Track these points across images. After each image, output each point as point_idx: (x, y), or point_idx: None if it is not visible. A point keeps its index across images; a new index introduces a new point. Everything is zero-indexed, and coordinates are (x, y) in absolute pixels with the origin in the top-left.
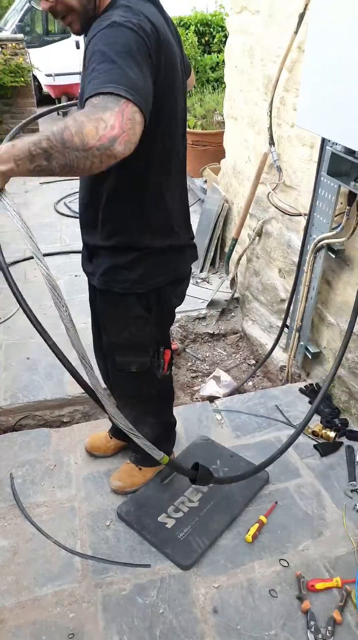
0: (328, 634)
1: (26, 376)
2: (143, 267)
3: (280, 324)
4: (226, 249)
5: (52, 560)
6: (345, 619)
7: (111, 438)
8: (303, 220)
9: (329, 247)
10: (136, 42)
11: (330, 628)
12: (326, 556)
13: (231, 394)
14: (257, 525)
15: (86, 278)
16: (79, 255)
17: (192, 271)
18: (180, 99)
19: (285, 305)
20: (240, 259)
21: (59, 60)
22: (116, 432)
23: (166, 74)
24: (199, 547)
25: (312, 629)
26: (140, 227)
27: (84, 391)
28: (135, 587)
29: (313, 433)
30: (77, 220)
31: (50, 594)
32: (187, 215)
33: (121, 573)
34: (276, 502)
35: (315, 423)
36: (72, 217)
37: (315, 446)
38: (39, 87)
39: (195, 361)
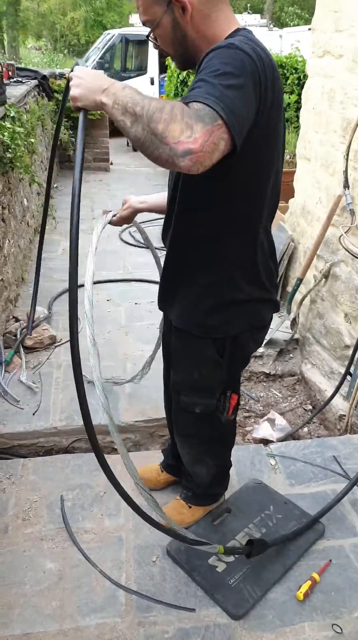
0: None
1: None
2: (224, 314)
3: (342, 370)
4: (289, 288)
5: (96, 590)
6: None
7: (162, 472)
8: None
9: None
10: (250, 67)
11: None
12: None
13: (285, 438)
14: (309, 582)
15: (151, 307)
16: (141, 284)
17: None
18: (280, 145)
19: (350, 351)
20: (303, 299)
21: None
22: (168, 466)
23: (272, 108)
24: (251, 597)
25: None
26: (227, 274)
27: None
28: (178, 632)
29: None
30: (141, 249)
31: (93, 625)
32: (275, 269)
33: (165, 614)
34: (330, 560)
35: None
36: (135, 246)
37: None
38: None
39: (249, 400)
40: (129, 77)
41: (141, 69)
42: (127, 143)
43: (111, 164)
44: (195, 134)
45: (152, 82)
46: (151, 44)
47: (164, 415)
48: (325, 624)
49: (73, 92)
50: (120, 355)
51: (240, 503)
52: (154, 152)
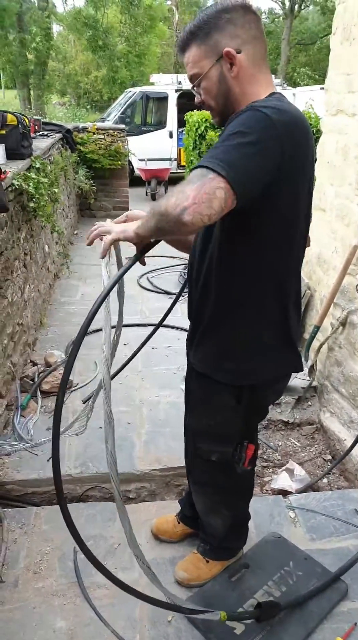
0: None
1: (97, 445)
2: (247, 362)
3: None
4: (306, 335)
5: None
6: None
7: (178, 523)
8: None
9: None
10: (265, 124)
11: None
12: None
13: (304, 489)
14: None
15: (167, 352)
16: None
17: None
18: (304, 205)
19: None
20: (320, 346)
21: (152, 147)
22: (184, 517)
23: (296, 166)
24: None
25: None
26: (254, 323)
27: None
28: None
29: None
30: (158, 294)
31: None
32: (299, 321)
33: None
34: (355, 624)
35: None
36: (153, 291)
37: None
38: (131, 169)
39: (267, 449)
40: (149, 131)
41: (160, 123)
42: (146, 192)
43: None
44: (186, 194)
45: (171, 136)
46: (171, 101)
47: (180, 464)
48: None
49: (113, 230)
50: (136, 401)
51: (259, 558)
52: (167, 227)
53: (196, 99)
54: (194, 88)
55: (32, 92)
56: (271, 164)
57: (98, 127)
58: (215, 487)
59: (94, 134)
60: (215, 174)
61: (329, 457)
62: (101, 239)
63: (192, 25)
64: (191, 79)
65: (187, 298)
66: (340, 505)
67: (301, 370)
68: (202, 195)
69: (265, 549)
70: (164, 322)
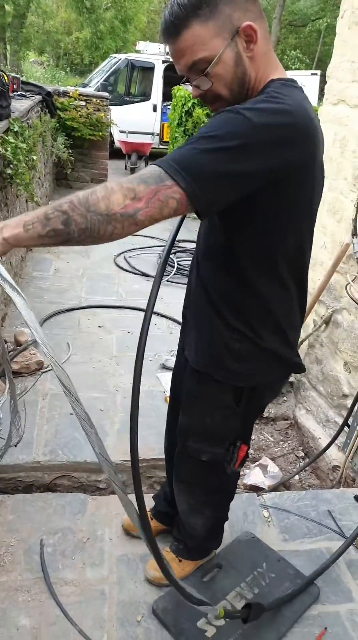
0: None
1: (68, 432)
2: (251, 362)
3: (337, 418)
4: None
5: None
6: None
7: (151, 519)
8: None
9: None
10: (243, 128)
11: None
12: None
13: (276, 486)
14: None
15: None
16: (134, 312)
17: None
18: (314, 199)
19: (347, 401)
20: (301, 342)
21: (135, 120)
22: (158, 513)
23: (296, 170)
24: None
25: None
26: (260, 321)
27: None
28: None
29: None
30: (135, 275)
31: None
32: (299, 326)
33: None
34: (326, 628)
35: None
36: (130, 272)
37: None
38: (111, 141)
39: None
40: (132, 102)
41: (145, 95)
42: (126, 166)
43: None
44: (138, 194)
45: (154, 109)
46: (157, 72)
47: (154, 457)
48: None
49: None
50: (110, 387)
51: (232, 558)
52: (107, 229)
53: (194, 92)
54: (192, 78)
55: (8, 47)
56: (252, 170)
57: (80, 92)
58: (203, 487)
59: (75, 99)
60: (172, 182)
61: (302, 454)
62: None
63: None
64: (195, 65)
65: (186, 289)
66: (313, 506)
67: (304, 371)
68: (156, 201)
69: (238, 549)
70: (142, 306)
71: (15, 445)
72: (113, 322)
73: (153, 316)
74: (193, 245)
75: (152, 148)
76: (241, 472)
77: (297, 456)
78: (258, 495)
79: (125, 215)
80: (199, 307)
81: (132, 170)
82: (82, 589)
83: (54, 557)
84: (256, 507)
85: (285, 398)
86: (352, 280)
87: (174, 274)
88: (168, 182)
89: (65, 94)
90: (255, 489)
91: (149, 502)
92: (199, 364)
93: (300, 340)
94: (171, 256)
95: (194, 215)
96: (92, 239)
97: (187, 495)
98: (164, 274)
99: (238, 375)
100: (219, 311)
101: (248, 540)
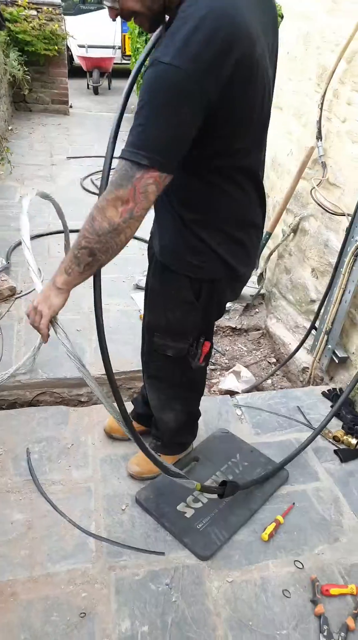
0: None
1: (47, 352)
2: (205, 255)
3: (306, 324)
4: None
5: (66, 539)
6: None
7: (131, 421)
8: (344, 221)
9: None
10: (171, 78)
11: (342, 634)
12: (341, 562)
13: (250, 390)
14: (274, 524)
15: (115, 260)
16: None
17: None
18: (260, 115)
19: (314, 306)
20: (271, 254)
21: (93, 32)
22: (137, 415)
23: (240, 95)
24: (219, 539)
25: (325, 633)
26: (213, 214)
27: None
28: (149, 574)
29: (335, 438)
30: None
31: (63, 571)
32: (263, 216)
33: (135, 558)
34: (293, 504)
35: (337, 429)
36: (97, 195)
37: (335, 451)
38: (70, 57)
39: (215, 354)
40: (89, 10)
41: (102, 3)
42: (88, 85)
43: (71, 106)
44: (123, 198)
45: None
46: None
47: (132, 369)
48: (288, 561)
49: (42, 311)
50: (85, 309)
51: (208, 452)
52: (121, 238)
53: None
54: None
55: None
56: (196, 119)
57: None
58: (170, 382)
59: (25, 9)
60: (140, 170)
61: (274, 360)
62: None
63: None
64: None
65: None
66: (283, 403)
67: (257, 267)
68: (138, 195)
69: (213, 444)
70: None
71: None
72: None
73: None
74: None
75: (114, 63)
76: (216, 379)
77: (269, 362)
78: (231, 397)
79: (126, 221)
80: (162, 208)
81: (95, 90)
82: (69, 488)
83: (40, 462)
84: (229, 407)
85: (257, 310)
86: (317, 185)
87: None
88: (137, 174)
89: (13, 2)
90: (230, 393)
91: (130, 407)
92: (161, 256)
93: (269, 251)
94: None
95: None
96: (116, 251)
97: (157, 391)
98: None
99: (195, 267)
100: (176, 211)
101: (222, 435)
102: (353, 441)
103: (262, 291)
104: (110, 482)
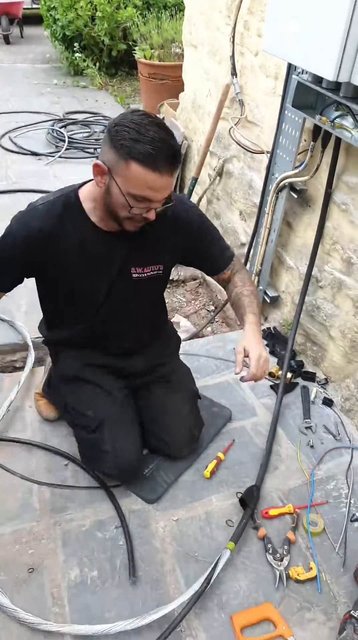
0: (284, 553)
1: None
2: None
3: None
4: (186, 190)
5: (8, 501)
6: (297, 540)
7: None
8: (265, 159)
9: (291, 187)
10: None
11: (285, 547)
12: (280, 488)
13: (190, 339)
14: (215, 461)
15: None
16: (29, 195)
17: None
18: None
19: (245, 249)
20: (199, 200)
21: None
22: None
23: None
24: (165, 482)
25: (270, 551)
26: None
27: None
28: (95, 523)
29: (271, 374)
30: (24, 156)
31: (8, 532)
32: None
33: (81, 511)
34: (233, 440)
35: (273, 365)
36: (18, 152)
37: (271, 386)
38: None
39: None
40: None
41: None
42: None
43: None
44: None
45: None
46: None
47: None
48: (230, 494)
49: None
50: None
51: None
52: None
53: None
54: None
55: None
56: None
57: None
58: None
59: None
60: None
61: (212, 307)
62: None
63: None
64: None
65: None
66: (220, 347)
67: None
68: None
69: None
70: (36, 187)
71: None
72: (7, 208)
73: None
74: (84, 116)
75: (24, 8)
76: None
77: (208, 310)
78: None
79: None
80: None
81: (6, 39)
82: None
83: None
84: None
85: None
86: (236, 124)
87: (67, 149)
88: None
89: None
90: None
91: None
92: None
93: (198, 197)
94: (62, 130)
95: (84, 83)
96: None
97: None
98: (56, 149)
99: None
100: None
101: None
102: (288, 375)
103: None
104: (50, 442)
